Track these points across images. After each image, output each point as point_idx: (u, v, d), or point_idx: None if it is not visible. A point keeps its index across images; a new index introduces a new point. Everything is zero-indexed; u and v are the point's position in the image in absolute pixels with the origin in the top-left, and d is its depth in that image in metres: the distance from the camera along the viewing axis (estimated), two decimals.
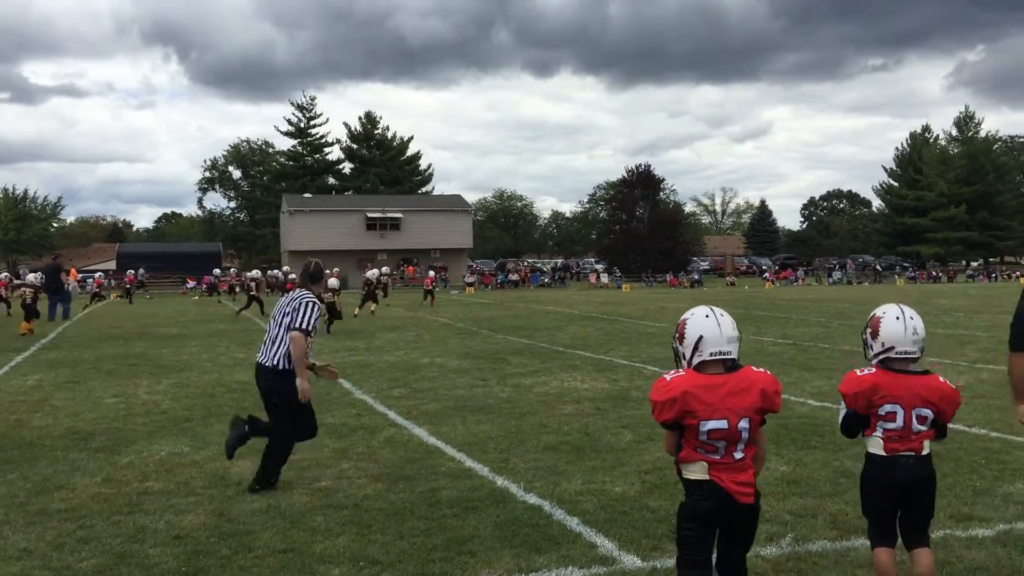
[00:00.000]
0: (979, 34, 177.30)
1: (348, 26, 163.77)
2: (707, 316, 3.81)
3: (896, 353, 4.21)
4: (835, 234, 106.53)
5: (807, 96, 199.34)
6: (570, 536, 5.64)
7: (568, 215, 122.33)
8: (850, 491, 6.43)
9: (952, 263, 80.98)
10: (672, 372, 3.80)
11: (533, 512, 6.14)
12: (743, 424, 3.68)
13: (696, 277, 65.11)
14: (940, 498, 6.14)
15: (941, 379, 4.22)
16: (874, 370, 4.22)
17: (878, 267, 72.50)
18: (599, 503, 6.35)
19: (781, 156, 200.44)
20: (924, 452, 4.16)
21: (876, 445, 4.19)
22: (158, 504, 6.54)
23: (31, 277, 24.85)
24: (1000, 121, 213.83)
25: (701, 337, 3.77)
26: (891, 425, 4.13)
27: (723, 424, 3.66)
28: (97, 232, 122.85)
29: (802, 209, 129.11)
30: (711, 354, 3.74)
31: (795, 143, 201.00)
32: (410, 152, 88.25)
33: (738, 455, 3.73)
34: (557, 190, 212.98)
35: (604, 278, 63.49)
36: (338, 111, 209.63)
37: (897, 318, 4.23)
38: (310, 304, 6.91)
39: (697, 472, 3.76)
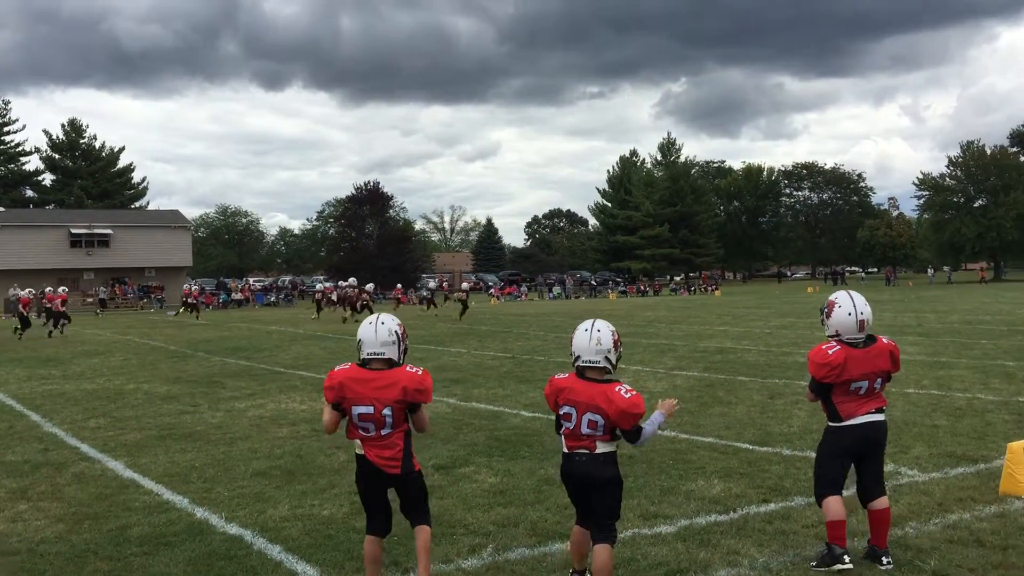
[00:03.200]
0: (682, 68, 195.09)
1: (54, 27, 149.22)
2: (368, 324, 4.62)
3: (583, 362, 4.57)
4: (556, 251, 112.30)
5: (532, 119, 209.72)
6: (270, 565, 5.40)
7: (297, 232, 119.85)
8: (552, 498, 6.70)
9: (658, 278, 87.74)
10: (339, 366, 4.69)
11: (232, 543, 5.83)
12: (386, 412, 4.49)
13: (425, 294, 65.63)
14: (630, 498, 6.59)
15: (617, 389, 4.43)
16: (567, 375, 4.62)
17: (593, 282, 77.11)
18: (304, 528, 6.15)
19: (508, 176, 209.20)
20: (597, 451, 4.51)
21: (562, 442, 4.62)
22: None
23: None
24: (698, 147, 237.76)
25: (359, 340, 4.61)
26: (568, 424, 4.57)
27: (370, 410, 4.50)
28: None
29: (526, 227, 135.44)
30: (367, 354, 4.57)
31: (521, 163, 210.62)
32: (122, 164, 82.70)
33: (385, 433, 4.53)
34: (287, 206, 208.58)
35: (333, 296, 62.40)
36: (42, 118, 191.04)
37: (585, 330, 4.59)
38: None
39: (357, 448, 4.64)
